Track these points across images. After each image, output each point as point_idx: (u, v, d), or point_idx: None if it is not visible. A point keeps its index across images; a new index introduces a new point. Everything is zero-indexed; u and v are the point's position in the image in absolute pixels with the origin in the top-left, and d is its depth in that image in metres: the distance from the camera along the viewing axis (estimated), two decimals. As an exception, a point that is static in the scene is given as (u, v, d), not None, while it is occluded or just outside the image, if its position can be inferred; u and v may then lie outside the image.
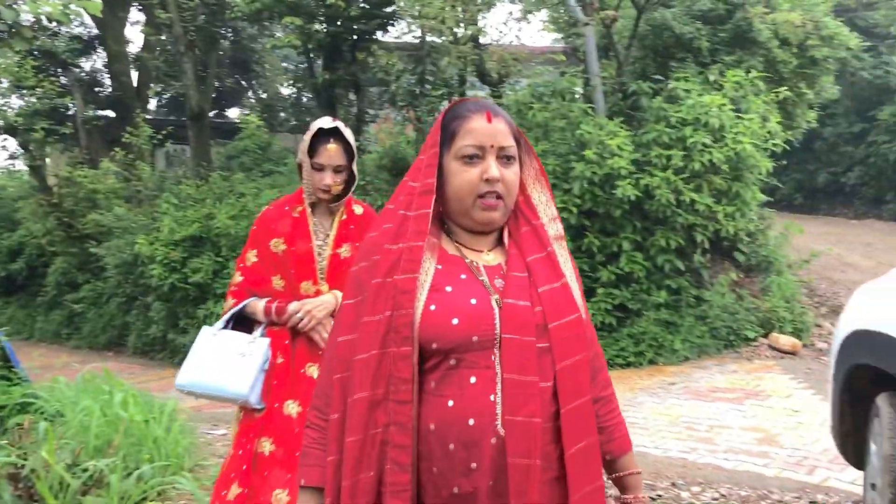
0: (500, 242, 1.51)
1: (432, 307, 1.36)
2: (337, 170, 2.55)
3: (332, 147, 2.53)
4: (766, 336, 7.67)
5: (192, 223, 10.06)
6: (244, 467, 2.47)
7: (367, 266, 1.43)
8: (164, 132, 13.74)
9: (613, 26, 9.34)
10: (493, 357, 1.34)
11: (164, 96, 22.26)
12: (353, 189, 2.64)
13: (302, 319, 2.51)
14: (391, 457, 1.31)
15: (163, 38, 15.86)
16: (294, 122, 18.53)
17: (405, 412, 1.31)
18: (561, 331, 1.39)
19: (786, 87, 8.68)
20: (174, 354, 10.00)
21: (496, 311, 1.37)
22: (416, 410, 1.32)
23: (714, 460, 4.52)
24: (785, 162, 12.77)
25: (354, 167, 2.61)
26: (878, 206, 15.21)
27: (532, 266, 1.45)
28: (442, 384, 1.34)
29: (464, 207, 1.44)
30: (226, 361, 2.50)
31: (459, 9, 9.19)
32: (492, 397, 1.32)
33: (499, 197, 1.42)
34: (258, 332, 2.57)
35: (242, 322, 2.63)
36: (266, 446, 2.46)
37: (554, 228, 1.52)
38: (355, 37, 11.68)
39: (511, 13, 16.10)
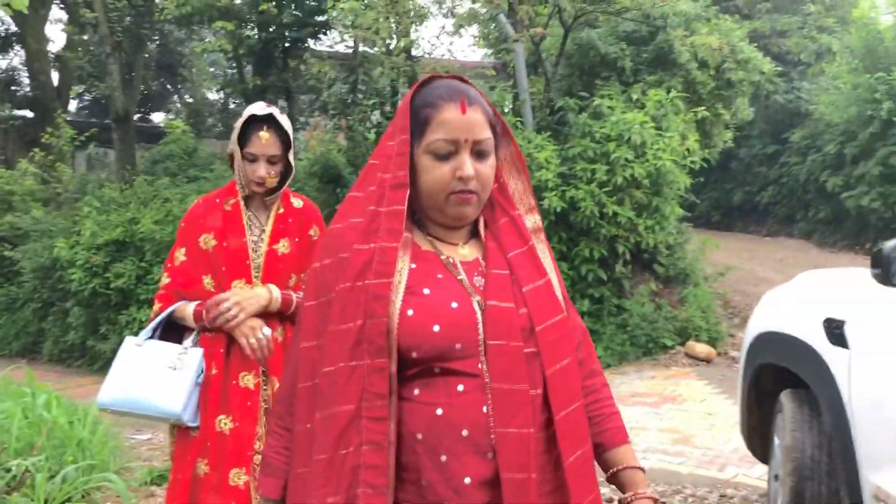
0: (474, 234, 1.40)
1: (410, 312, 1.24)
2: (271, 160, 2.33)
3: (265, 135, 2.31)
4: (682, 344, 8.00)
5: (116, 227, 9.82)
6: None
7: (333, 264, 1.30)
8: (87, 134, 13.38)
9: (542, 44, 9.61)
10: (479, 365, 1.24)
11: (86, 98, 21.66)
12: (289, 181, 2.43)
13: (230, 311, 2.24)
14: (364, 479, 1.19)
15: (85, 37, 15.44)
16: (221, 128, 18.28)
17: (381, 430, 1.20)
18: (548, 334, 1.30)
19: (704, 108, 9.11)
20: (93, 361, 9.74)
21: (479, 314, 1.27)
22: (396, 422, 1.21)
23: (632, 459, 4.72)
24: (703, 179, 13.34)
25: (291, 157, 2.40)
26: (790, 225, 15.97)
27: (513, 262, 1.34)
28: (427, 391, 1.23)
29: (436, 203, 1.32)
30: (155, 376, 2.25)
31: (392, 20, 9.30)
32: (484, 409, 1.22)
33: (473, 192, 1.31)
34: (189, 340, 2.32)
35: (172, 329, 2.38)
36: (201, 468, 2.27)
37: (532, 220, 1.42)
38: (287, 44, 11.66)
39: (444, 27, 16.31)
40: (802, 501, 2.91)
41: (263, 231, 2.40)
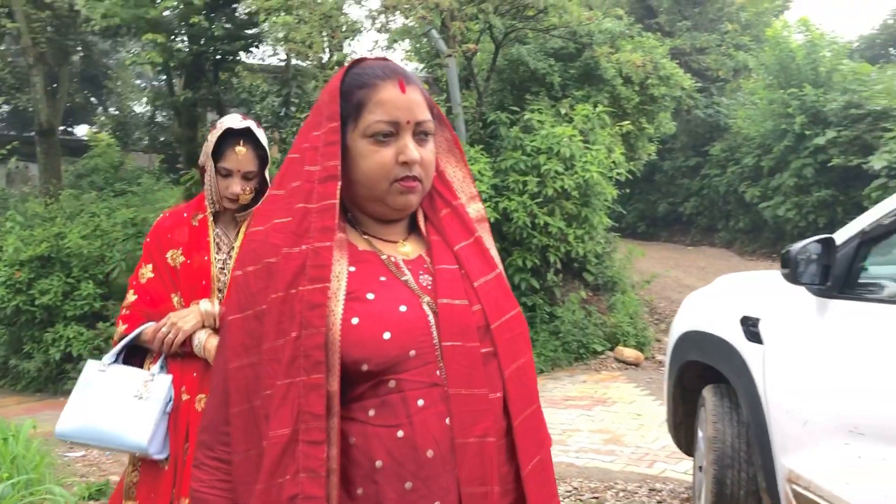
0: (412, 229, 1.30)
1: (355, 321, 1.12)
2: (247, 176, 2.21)
3: (241, 150, 2.18)
4: (612, 349, 8.29)
5: (41, 242, 9.56)
6: None
7: (259, 272, 1.16)
8: (8, 147, 12.97)
9: (473, 59, 9.82)
10: (438, 372, 1.14)
11: (4, 109, 20.94)
12: (264, 198, 2.14)
13: (168, 334, 2.10)
14: None
15: (2, 48, 14.97)
16: (147, 142, 17.93)
17: (318, 455, 1.07)
18: (503, 331, 1.21)
19: (629, 122, 9.46)
20: (16, 381, 9.42)
21: (431, 316, 1.17)
22: (338, 447, 1.10)
23: (567, 459, 4.89)
24: (629, 191, 13.81)
25: (267, 174, 2.27)
26: (711, 234, 16.62)
27: (461, 255, 1.24)
28: (384, 411, 1.12)
29: (376, 193, 1.20)
30: (120, 405, 2.08)
31: (326, 34, 9.37)
32: (447, 420, 1.13)
33: (416, 179, 1.20)
34: (156, 366, 2.15)
35: (136, 352, 2.22)
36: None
37: (474, 208, 1.32)
38: (219, 56, 11.58)
39: (377, 41, 16.41)
40: (724, 488, 3.11)
41: (232, 248, 2.27)
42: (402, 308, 1.16)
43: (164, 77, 13.34)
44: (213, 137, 2.19)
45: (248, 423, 1.14)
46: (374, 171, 1.18)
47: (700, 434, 3.47)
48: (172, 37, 11.09)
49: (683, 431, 3.80)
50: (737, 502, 3.11)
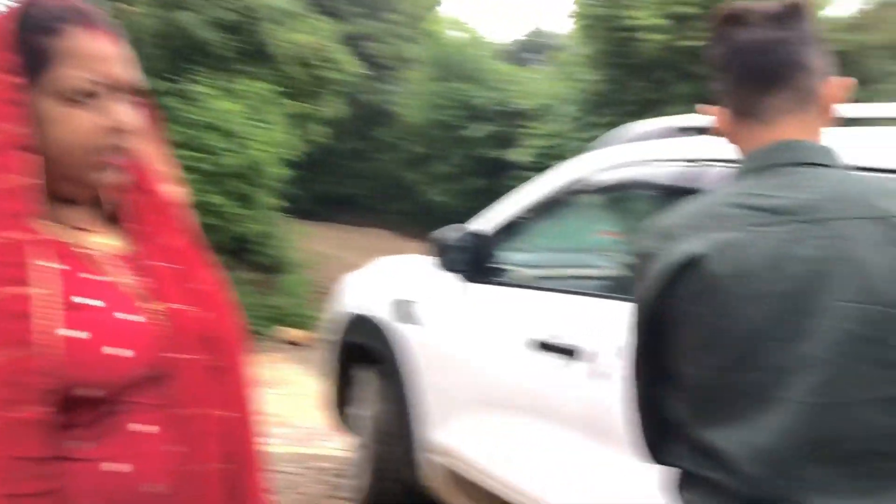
0: (106, 214, 1.07)
1: (84, 335, 0.90)
2: None
3: None
4: (278, 330, 8.30)
5: None
6: None
7: None
8: None
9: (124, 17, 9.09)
10: (163, 391, 0.97)
11: None
12: None
13: None
14: None
15: None
16: None
17: None
18: (228, 339, 1.07)
19: (299, 103, 9.51)
20: None
21: (158, 325, 0.99)
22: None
23: (229, 445, 4.81)
24: (300, 172, 13.91)
25: None
26: (377, 216, 17.43)
27: (174, 251, 1.06)
28: (103, 443, 0.92)
29: (74, 171, 0.96)
30: None
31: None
32: (172, 447, 0.97)
33: (125, 152, 0.99)
34: None
35: None
36: None
37: (171, 190, 1.14)
38: None
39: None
40: (381, 463, 3.29)
41: None
42: (134, 317, 0.96)
43: None
44: None
45: None
46: (74, 141, 0.94)
47: (360, 413, 3.61)
48: None
49: (344, 411, 3.92)
50: (393, 475, 3.30)
